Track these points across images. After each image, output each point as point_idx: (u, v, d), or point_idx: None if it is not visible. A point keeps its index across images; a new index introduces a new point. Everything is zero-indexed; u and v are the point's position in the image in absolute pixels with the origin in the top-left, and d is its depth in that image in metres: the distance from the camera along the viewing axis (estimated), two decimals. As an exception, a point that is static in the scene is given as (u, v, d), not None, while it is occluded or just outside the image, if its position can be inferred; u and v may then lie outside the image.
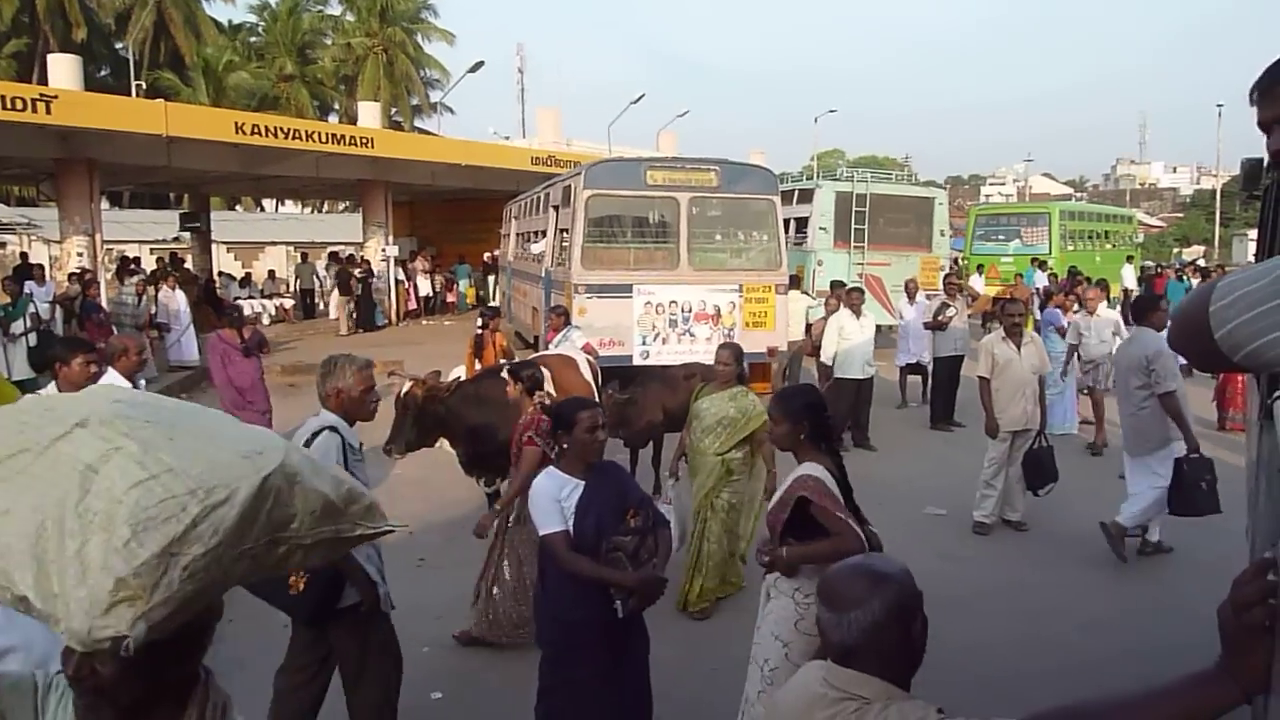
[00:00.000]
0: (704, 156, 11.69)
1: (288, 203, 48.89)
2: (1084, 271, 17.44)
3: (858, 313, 10.04)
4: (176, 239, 29.75)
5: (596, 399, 7.22)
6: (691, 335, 11.32)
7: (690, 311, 11.27)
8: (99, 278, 14.33)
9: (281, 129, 16.92)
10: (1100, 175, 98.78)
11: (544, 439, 4.82)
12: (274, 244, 39.56)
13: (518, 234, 16.73)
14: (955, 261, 28.43)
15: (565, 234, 11.72)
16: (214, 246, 34.53)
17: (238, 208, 48.35)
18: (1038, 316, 12.89)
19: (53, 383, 5.51)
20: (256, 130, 16.32)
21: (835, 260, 15.98)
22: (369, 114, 22.79)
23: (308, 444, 3.52)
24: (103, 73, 43.73)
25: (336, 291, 21.15)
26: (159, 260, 21.93)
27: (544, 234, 13.45)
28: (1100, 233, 25.22)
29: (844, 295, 10.61)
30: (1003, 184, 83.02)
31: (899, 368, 12.38)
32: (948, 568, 6.56)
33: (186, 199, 26.00)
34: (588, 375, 7.17)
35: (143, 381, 5.74)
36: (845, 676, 1.76)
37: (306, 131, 17.43)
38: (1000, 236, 23.36)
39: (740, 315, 11.40)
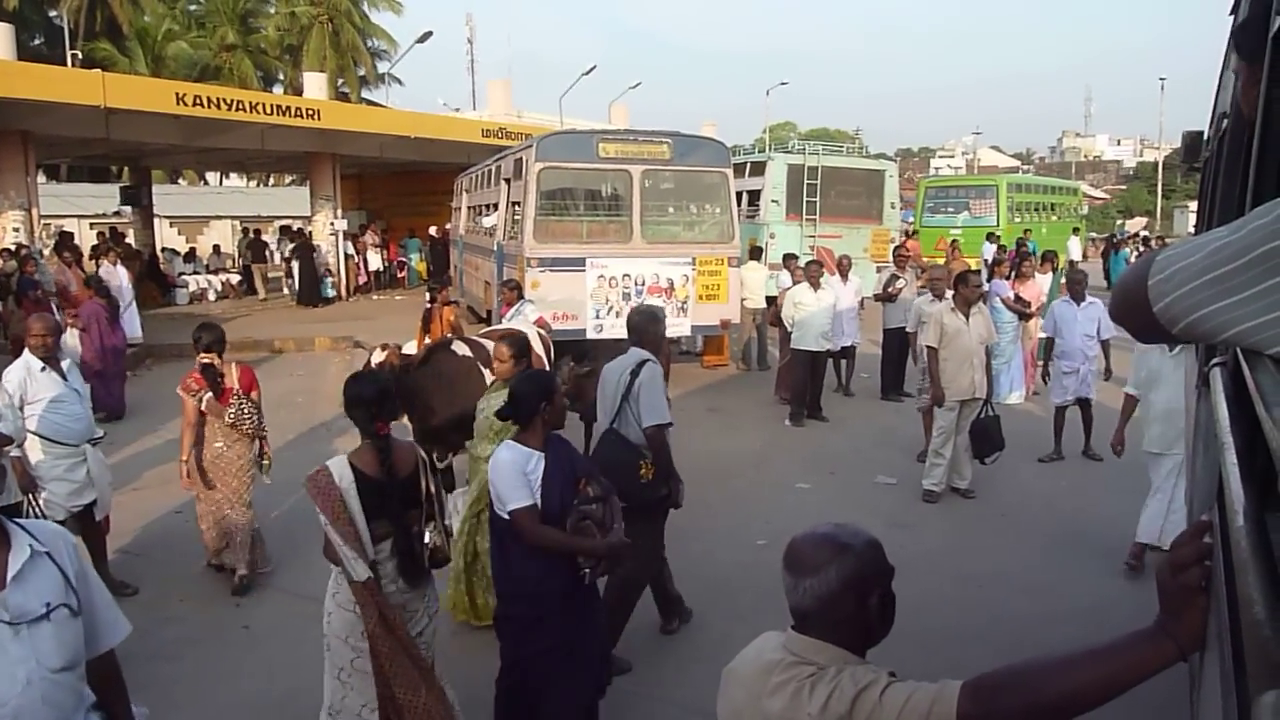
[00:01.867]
0: (657, 129, 11.64)
1: (233, 176, 47.84)
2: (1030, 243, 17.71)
3: (815, 285, 10.13)
4: (117, 213, 28.98)
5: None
6: (645, 308, 11.30)
7: (643, 285, 11.27)
8: (34, 253, 13.88)
9: (225, 100, 16.51)
10: (1046, 148, 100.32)
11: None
12: (219, 218, 38.77)
13: (469, 207, 16.56)
14: (906, 233, 28.82)
15: (517, 207, 11.63)
16: (157, 221, 33.83)
17: (181, 181, 47.20)
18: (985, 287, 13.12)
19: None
20: (199, 101, 15.91)
21: (787, 233, 16.06)
22: (315, 84, 22.33)
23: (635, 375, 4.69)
24: (36, 41, 42.22)
25: (295, 264, 20.81)
26: (99, 235, 21.34)
27: (496, 207, 13.33)
28: (1047, 205, 25.65)
29: (802, 268, 10.72)
30: (951, 156, 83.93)
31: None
32: (895, 534, 6.66)
33: (126, 172, 25.27)
34: (539, 349, 7.13)
35: (66, 361, 5.58)
36: (802, 643, 1.79)
37: (251, 103, 17.03)
38: (949, 209, 23.65)
39: (693, 288, 11.42)
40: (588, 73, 29.02)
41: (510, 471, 3.45)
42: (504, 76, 44.94)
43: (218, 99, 16.39)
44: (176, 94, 15.81)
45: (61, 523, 5.40)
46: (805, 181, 16.13)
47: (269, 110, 17.16)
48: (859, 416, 10.41)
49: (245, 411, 5.70)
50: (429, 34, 25.91)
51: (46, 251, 14.13)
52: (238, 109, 16.53)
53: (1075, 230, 23.83)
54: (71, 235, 18.36)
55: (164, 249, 25.34)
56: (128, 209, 24.50)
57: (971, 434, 7.29)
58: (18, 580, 2.15)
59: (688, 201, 12.22)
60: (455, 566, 4.99)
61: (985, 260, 16.74)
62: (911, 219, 26.05)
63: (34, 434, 5.29)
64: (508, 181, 12.48)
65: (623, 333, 10.77)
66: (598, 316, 11.18)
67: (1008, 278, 11.08)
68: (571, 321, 11.05)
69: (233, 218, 39.39)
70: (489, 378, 6.39)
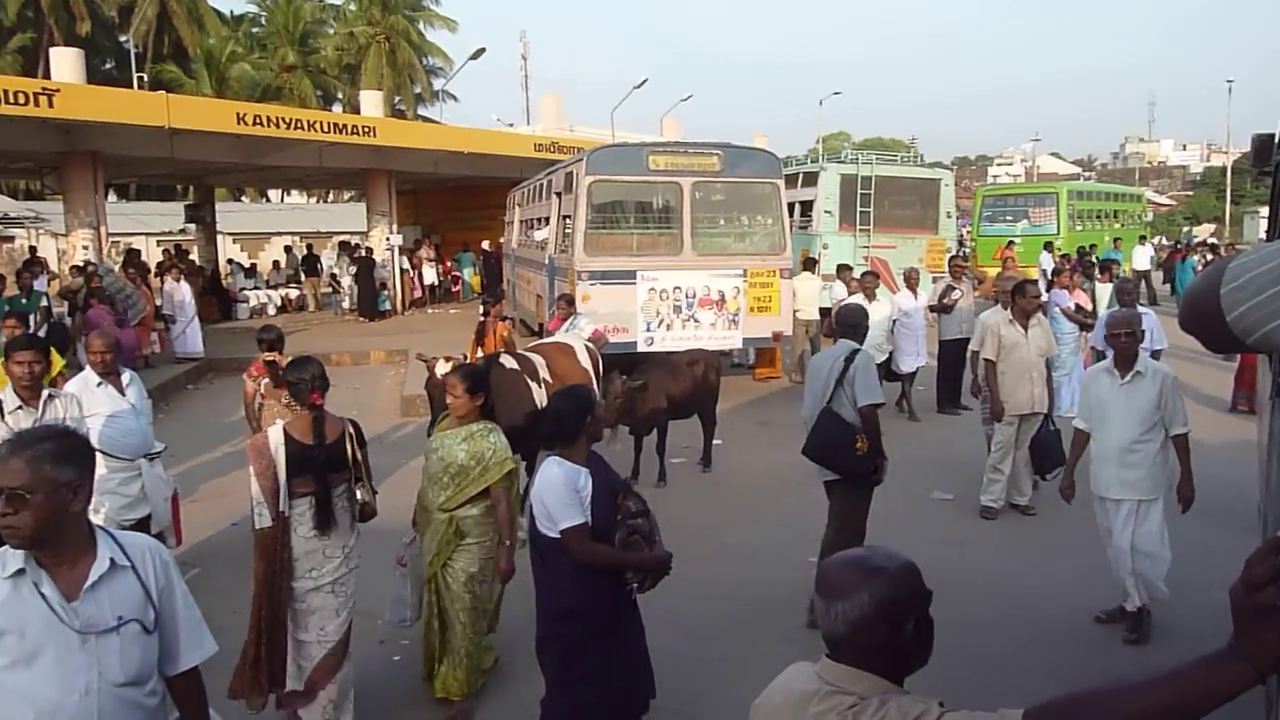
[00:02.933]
0: (707, 141, 11.59)
1: (294, 193, 48.90)
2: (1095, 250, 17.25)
3: (871, 296, 9.98)
4: (183, 231, 29.78)
5: (594, 386, 7.18)
6: (696, 321, 11.25)
7: (694, 297, 11.21)
8: (101, 271, 14.28)
9: (283, 119, 16.87)
10: (1109, 154, 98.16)
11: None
12: (279, 234, 39.59)
13: (521, 221, 16.67)
14: (961, 243, 28.35)
15: (568, 220, 11.66)
16: (220, 238, 34.71)
17: (244, 199, 48.40)
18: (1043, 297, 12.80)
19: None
20: (259, 120, 16.27)
21: (840, 243, 15.87)
22: (371, 103, 22.72)
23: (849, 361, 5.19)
24: (107, 66, 43.72)
25: (348, 279, 21.19)
26: (165, 252, 21.94)
27: (547, 220, 13.39)
28: (1109, 212, 25.03)
29: (858, 279, 10.58)
30: (1010, 164, 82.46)
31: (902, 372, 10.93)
32: (950, 552, 6.51)
33: (191, 191, 25.97)
34: (585, 363, 7.12)
35: (127, 375, 5.68)
36: (837, 671, 1.71)
37: (308, 121, 17.38)
38: (1008, 217, 23.19)
39: (744, 300, 11.32)
40: (639, 86, 29.13)
41: (563, 488, 3.37)
42: (557, 91, 45.33)
43: (276, 118, 16.74)
44: (237, 114, 16.19)
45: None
46: (859, 191, 15.94)
47: (325, 128, 17.49)
48: (914, 430, 10.20)
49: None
50: (482, 50, 26.21)
51: (115, 268, 14.50)
52: (295, 127, 16.87)
53: (1142, 238, 23.05)
54: (139, 253, 18.92)
55: (230, 261, 25.96)
56: (192, 226, 25.12)
57: (1031, 449, 7.06)
58: (92, 591, 2.18)
59: (739, 213, 12.14)
60: (421, 631, 4.53)
61: (1043, 270, 16.34)
62: (968, 228, 25.61)
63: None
64: (559, 195, 12.52)
65: (674, 345, 10.84)
66: (648, 329, 11.14)
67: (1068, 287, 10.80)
68: (622, 335, 11.02)
69: (293, 233, 40.24)
70: (536, 392, 6.39)
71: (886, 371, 10.75)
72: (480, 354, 8.66)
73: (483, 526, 4.34)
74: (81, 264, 14.62)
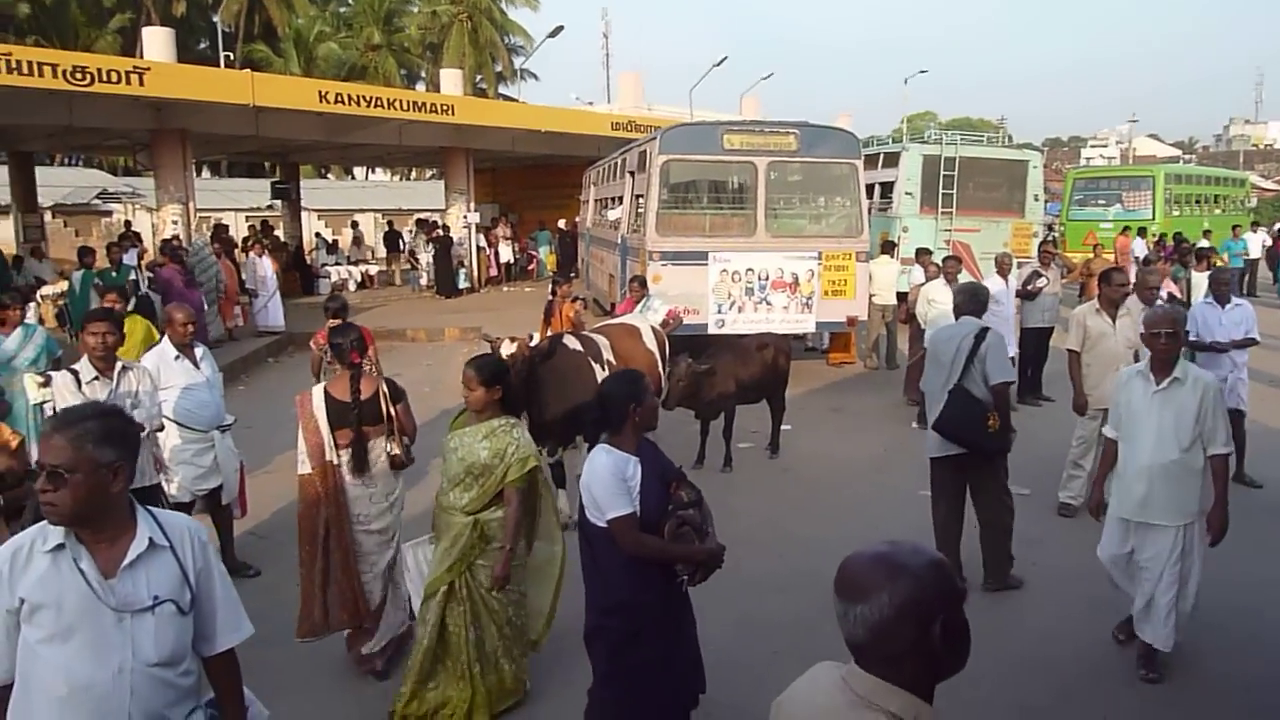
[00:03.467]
0: (783, 119, 11.35)
1: (378, 171, 49.75)
2: (1190, 239, 16.44)
3: (951, 281, 9.65)
4: (270, 207, 30.57)
5: (661, 369, 7.08)
6: (768, 304, 11.06)
7: (767, 279, 11.01)
8: (194, 246, 14.72)
9: (364, 97, 17.08)
10: (1211, 136, 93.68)
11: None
12: (363, 211, 40.33)
13: (595, 200, 16.62)
14: (1050, 228, 27.39)
15: (640, 200, 11.56)
16: (306, 214, 35.55)
17: (329, 176, 49.43)
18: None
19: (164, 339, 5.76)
20: (340, 99, 16.50)
21: (921, 226, 15.42)
22: (451, 81, 22.86)
23: (979, 339, 5.30)
24: (201, 45, 45.03)
25: (427, 256, 21.46)
26: (250, 228, 22.54)
27: (620, 200, 13.30)
28: (1209, 197, 23.88)
29: (938, 264, 10.22)
30: (1105, 146, 79.27)
31: None
32: (1024, 550, 6.23)
33: (278, 168, 26.61)
34: (651, 344, 7.02)
35: (200, 349, 5.80)
36: (867, 683, 1.59)
37: (388, 99, 17.56)
38: (1100, 201, 22.29)
39: (819, 283, 11.08)
40: (718, 64, 28.78)
41: (610, 478, 3.29)
42: (637, 70, 45.06)
43: (357, 96, 16.96)
44: (320, 92, 16.44)
45: (188, 505, 5.67)
46: (941, 173, 15.44)
47: (404, 106, 17.65)
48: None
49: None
50: (560, 28, 26.21)
51: (205, 245, 14.91)
52: (375, 105, 17.06)
53: (1255, 224, 21.59)
54: (226, 228, 19.44)
55: (317, 234, 26.51)
56: (278, 203, 25.73)
57: (1116, 444, 6.75)
58: (130, 569, 2.19)
59: (815, 194, 11.87)
60: (419, 658, 4.18)
61: (1135, 257, 15.65)
62: (1058, 212, 24.71)
63: (165, 418, 5.52)
64: (632, 174, 12.42)
65: (746, 328, 10.67)
66: (720, 311, 10.99)
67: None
68: (693, 316, 10.88)
69: (376, 210, 40.99)
70: (600, 374, 6.32)
71: None
72: (549, 334, 8.65)
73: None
74: (168, 238, 15.04)
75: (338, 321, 6.88)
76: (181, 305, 5.95)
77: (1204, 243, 18.26)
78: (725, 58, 28.40)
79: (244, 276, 15.67)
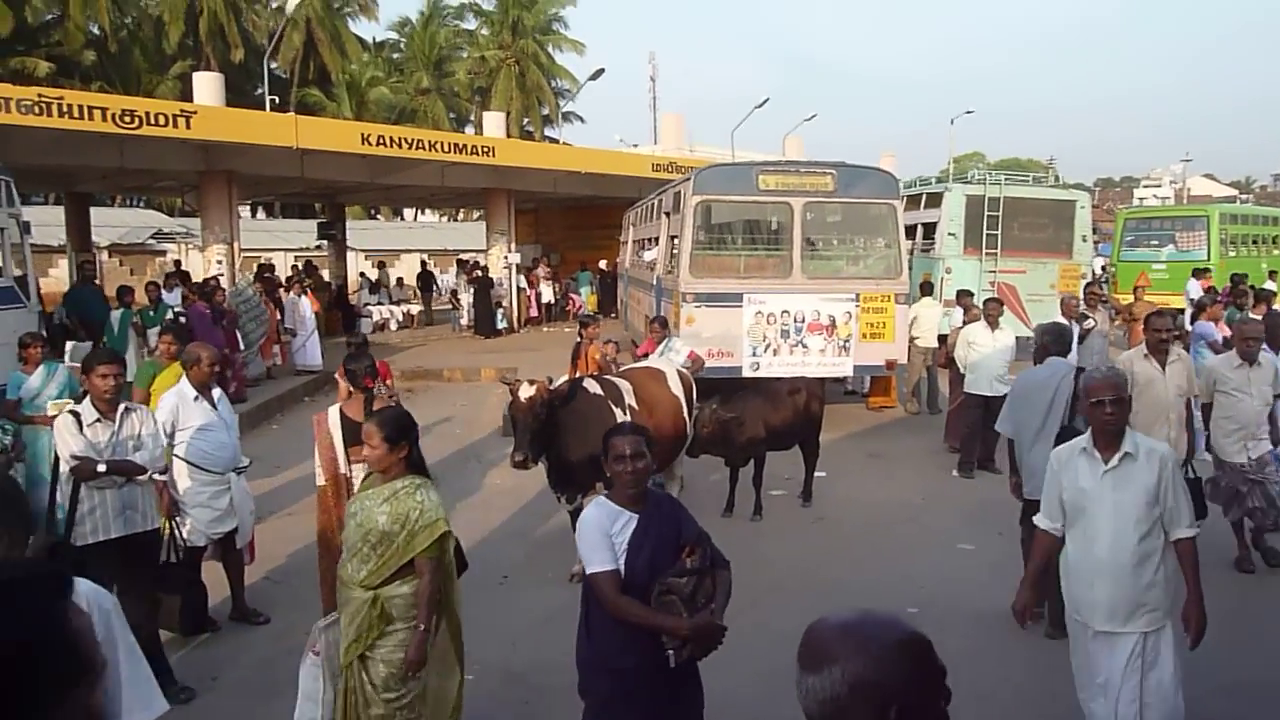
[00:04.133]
0: (820, 159, 11.18)
1: (427, 211, 50.50)
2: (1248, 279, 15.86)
3: (993, 325, 9.36)
4: (318, 247, 31.05)
5: (686, 414, 6.88)
6: (804, 346, 10.83)
7: (803, 321, 10.78)
8: (226, 284, 14.91)
9: (405, 139, 17.29)
10: (1269, 175, 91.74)
11: None
12: (408, 251, 40.90)
13: (634, 241, 16.56)
14: (1102, 269, 26.76)
15: (676, 241, 11.44)
16: (352, 254, 36.06)
17: (379, 217, 50.28)
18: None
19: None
20: (382, 141, 16.71)
21: (964, 268, 15.11)
22: (493, 123, 23.15)
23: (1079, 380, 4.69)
24: (259, 91, 46.33)
25: (468, 295, 21.55)
26: (292, 269, 22.85)
27: (657, 241, 13.20)
28: (1266, 237, 23.16)
29: (980, 306, 9.92)
30: (1158, 186, 77.95)
31: None
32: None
33: (325, 209, 27.07)
34: (676, 389, 6.82)
35: (217, 391, 5.73)
36: None
37: (429, 141, 17.78)
38: (1153, 242, 21.71)
39: (856, 326, 10.83)
40: (760, 105, 28.84)
41: (592, 530, 3.16)
42: (682, 111, 45.46)
43: (399, 138, 17.18)
44: (362, 134, 16.67)
45: (202, 548, 5.56)
46: (985, 213, 15.15)
47: (445, 148, 17.85)
48: (1037, 469, 9.49)
49: (382, 391, 7.04)
50: (600, 71, 26.47)
51: (250, 287, 15.08)
52: (417, 147, 17.26)
53: (1273, 274, 20.58)
54: (272, 267, 19.71)
55: (361, 274, 26.80)
56: (325, 243, 26.10)
57: (1167, 499, 6.37)
58: None
59: (853, 235, 11.68)
60: None
61: (1190, 299, 15.12)
62: (1109, 254, 24.13)
63: (181, 459, 5.45)
64: (667, 215, 12.32)
65: (781, 371, 10.44)
66: (754, 354, 10.78)
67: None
68: (727, 359, 10.70)
69: (422, 251, 41.53)
70: (620, 419, 6.15)
71: None
72: (575, 376, 8.51)
73: (416, 609, 3.58)
74: (208, 277, 15.25)
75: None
76: (206, 345, 5.91)
77: (1270, 284, 17.62)
78: (767, 99, 28.50)
79: (283, 316, 15.80)
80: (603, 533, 3.15)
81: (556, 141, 45.04)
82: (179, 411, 5.46)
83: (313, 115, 35.89)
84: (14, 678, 1.01)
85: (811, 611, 5.19)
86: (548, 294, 23.83)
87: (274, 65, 47.20)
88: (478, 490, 8.84)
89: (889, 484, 9.00)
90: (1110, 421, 3.73)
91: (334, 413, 5.23)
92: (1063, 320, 8.12)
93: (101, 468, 4.60)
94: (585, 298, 25.38)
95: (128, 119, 13.32)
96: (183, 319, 11.49)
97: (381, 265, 26.69)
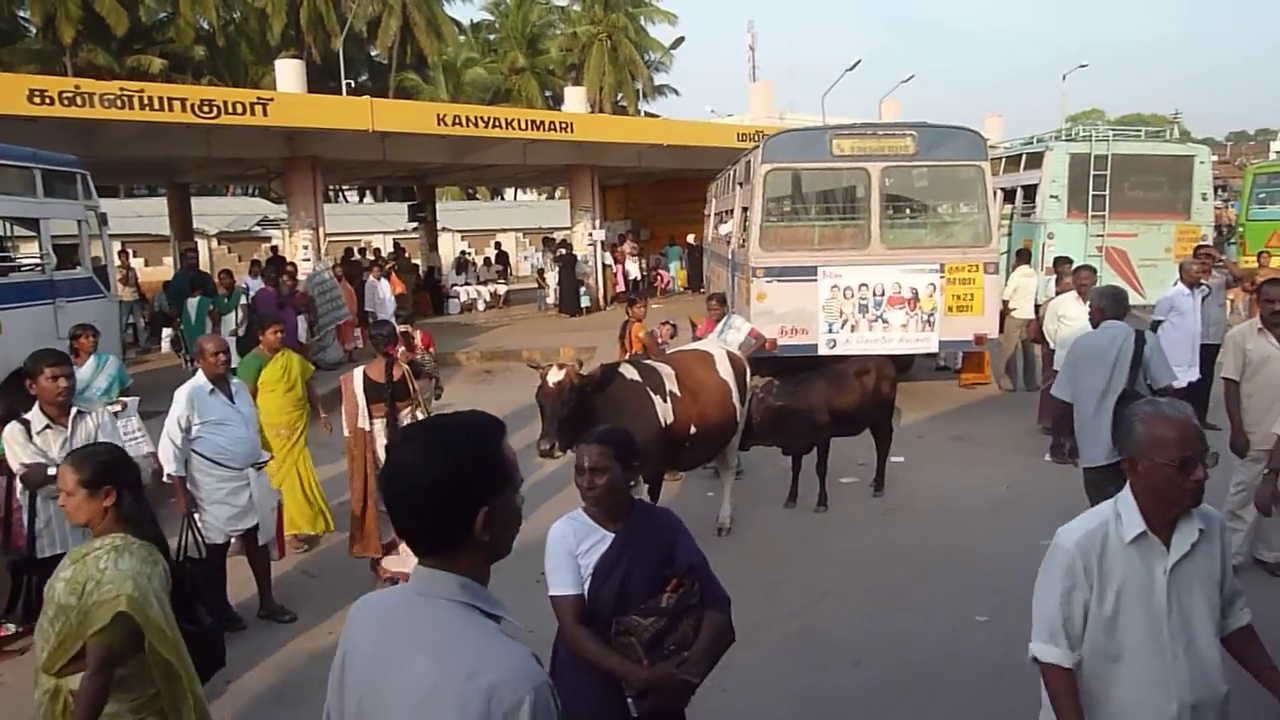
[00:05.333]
0: (901, 121, 10.41)
1: (529, 191, 50.74)
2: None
3: (1085, 295, 8.50)
4: (415, 229, 31.44)
5: (738, 399, 6.39)
6: (885, 321, 10.14)
7: (883, 295, 10.09)
8: (310, 269, 15.05)
9: (482, 118, 17.11)
10: None
11: None
12: (504, 231, 41.15)
13: (715, 214, 16.00)
14: (1229, 228, 24.79)
15: (747, 213, 10.87)
16: (450, 235, 36.44)
17: (477, 197, 50.80)
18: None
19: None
20: (458, 121, 16.57)
21: (1069, 232, 13.99)
22: (575, 99, 22.82)
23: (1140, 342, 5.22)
24: (363, 78, 47.26)
25: (555, 274, 21.37)
26: (374, 252, 23.11)
27: (732, 214, 12.64)
28: None
29: (1073, 274, 9.06)
30: (1299, 138, 72.31)
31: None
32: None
33: (416, 190, 27.29)
34: (725, 373, 6.31)
35: (234, 381, 5.54)
36: None
37: (506, 119, 17.55)
38: (1288, 198, 19.89)
39: (941, 298, 10.07)
40: (851, 68, 27.70)
41: (555, 547, 2.79)
42: (784, 79, 44.25)
43: (474, 117, 17.00)
44: (438, 115, 16.55)
45: (222, 546, 5.40)
46: (1092, 173, 13.94)
47: (523, 125, 17.58)
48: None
49: (423, 359, 8.54)
50: (681, 40, 25.96)
51: (327, 270, 15.18)
52: (494, 126, 17.07)
53: None
54: (351, 252, 19.91)
55: (462, 253, 26.96)
56: (419, 224, 26.34)
57: (1286, 491, 5.56)
58: None
59: (936, 200, 10.86)
60: None
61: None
62: (1236, 211, 22.28)
63: (197, 454, 5.28)
64: (740, 186, 11.74)
65: (860, 348, 9.80)
66: (830, 331, 10.15)
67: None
68: (801, 336, 10.11)
69: (517, 230, 41.74)
70: (661, 408, 5.71)
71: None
72: (625, 357, 8.10)
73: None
74: (280, 261, 15.42)
75: (405, 326, 9.02)
76: (212, 336, 5.78)
77: None
78: (858, 61, 27.29)
79: (363, 300, 15.89)
80: (567, 552, 2.78)
81: (653, 115, 44.54)
82: (194, 405, 5.29)
83: (410, 99, 36.37)
84: (489, 465, 1.57)
85: (866, 622, 4.62)
86: (634, 270, 23.43)
87: (374, 51, 48.23)
88: (528, 481, 8.55)
89: (973, 470, 8.30)
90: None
91: (358, 374, 6.31)
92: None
93: (52, 470, 4.31)
94: (675, 273, 24.93)
95: (207, 109, 13.49)
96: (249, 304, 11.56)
97: (498, 244, 26.59)
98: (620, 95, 48.77)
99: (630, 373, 5.79)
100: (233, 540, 5.49)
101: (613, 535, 2.78)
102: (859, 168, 10.10)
